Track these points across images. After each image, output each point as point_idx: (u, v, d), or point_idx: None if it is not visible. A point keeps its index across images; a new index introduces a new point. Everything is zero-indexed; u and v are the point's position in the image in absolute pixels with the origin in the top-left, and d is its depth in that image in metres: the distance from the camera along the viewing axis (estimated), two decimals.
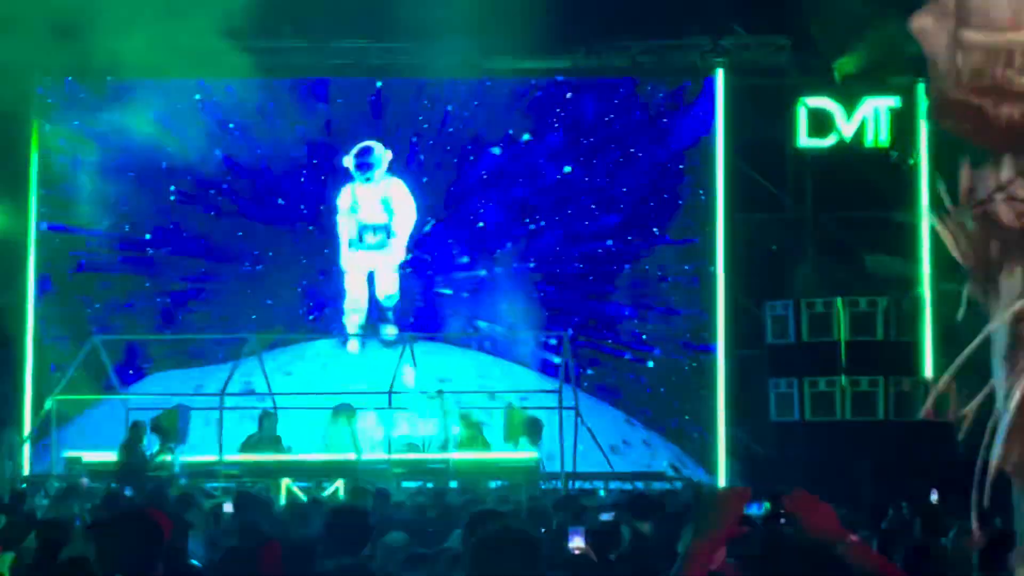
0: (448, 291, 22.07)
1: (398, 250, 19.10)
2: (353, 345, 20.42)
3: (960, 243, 2.08)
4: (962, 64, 2.01)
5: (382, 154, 18.24)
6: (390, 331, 20.00)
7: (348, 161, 18.88)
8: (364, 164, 18.36)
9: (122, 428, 18.32)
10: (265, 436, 18.32)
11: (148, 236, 22.21)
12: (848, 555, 3.83)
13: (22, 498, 14.47)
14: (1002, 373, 1.98)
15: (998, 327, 1.98)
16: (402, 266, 21.13)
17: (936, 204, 2.08)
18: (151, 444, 17.38)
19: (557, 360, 20.41)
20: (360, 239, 19.33)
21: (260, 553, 5.41)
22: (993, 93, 2.02)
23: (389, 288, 19.42)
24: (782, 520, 3.90)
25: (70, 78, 22.12)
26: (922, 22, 2.06)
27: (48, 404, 18.74)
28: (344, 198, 19.56)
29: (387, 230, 18.81)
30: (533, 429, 18.22)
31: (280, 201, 22.21)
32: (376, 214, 18.47)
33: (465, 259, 22.05)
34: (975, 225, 2.05)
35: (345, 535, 6.70)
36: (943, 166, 19.59)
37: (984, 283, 2.09)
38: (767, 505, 3.50)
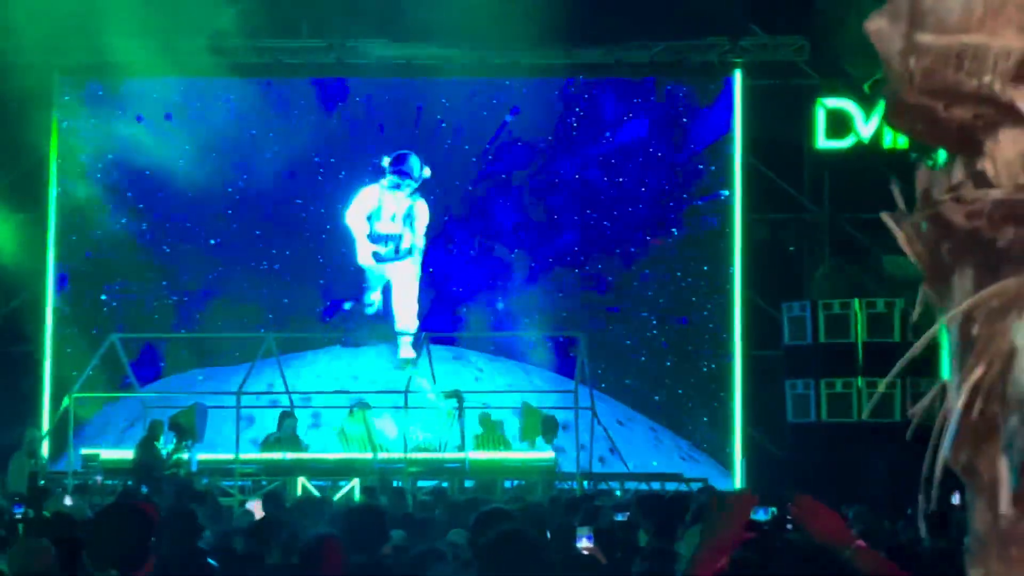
0: (463, 291, 22.14)
1: (413, 269, 18.62)
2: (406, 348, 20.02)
3: (914, 245, 2.10)
4: (915, 66, 2.03)
5: (421, 169, 17.56)
6: (406, 352, 19.57)
7: (386, 162, 18.19)
8: (401, 172, 17.67)
9: (140, 426, 18.45)
10: (284, 436, 18.40)
11: (165, 235, 22.29)
12: (854, 560, 3.84)
13: (45, 495, 14.55)
14: (952, 372, 2.00)
15: (950, 327, 1.99)
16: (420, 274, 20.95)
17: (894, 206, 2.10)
18: (167, 442, 17.46)
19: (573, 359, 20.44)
20: (380, 247, 18.88)
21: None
22: (945, 95, 2.03)
23: (406, 312, 18.79)
24: (788, 526, 3.90)
25: (88, 76, 22.21)
26: (877, 24, 2.08)
27: (66, 402, 18.84)
28: (367, 199, 19.04)
29: (398, 243, 18.19)
30: (548, 427, 18.26)
31: (297, 200, 22.28)
32: (393, 225, 17.88)
33: (479, 257, 22.12)
34: (928, 227, 2.06)
35: (362, 534, 6.73)
36: None
37: (938, 285, 2.10)
38: (772, 511, 3.50)
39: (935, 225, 2.05)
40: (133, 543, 4.65)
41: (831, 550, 3.83)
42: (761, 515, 3.91)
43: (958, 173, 2.08)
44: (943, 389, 2.10)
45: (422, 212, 18.06)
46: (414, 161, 17.94)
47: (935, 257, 2.06)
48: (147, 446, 17.25)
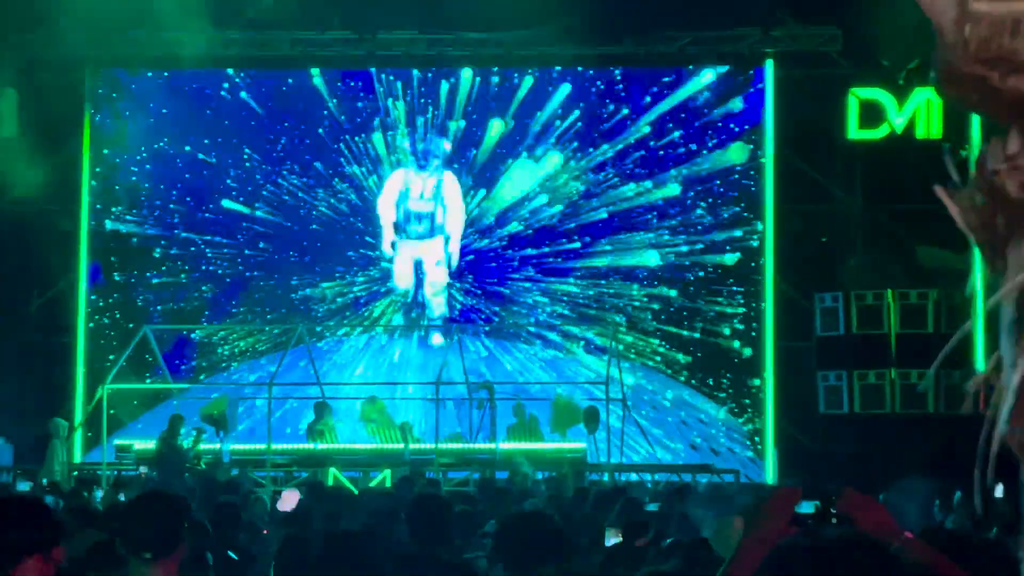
0: (495, 279, 22.16)
1: (450, 246, 18.88)
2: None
3: (968, 218, 2.06)
4: (969, 35, 1.99)
5: (441, 144, 17.87)
6: (436, 339, 20.02)
7: (406, 145, 18.59)
8: (424, 152, 18.07)
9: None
10: (324, 426, 18.49)
11: (198, 226, 22.35)
12: (904, 552, 3.80)
13: (85, 487, 14.61)
14: (1008, 346, 1.96)
15: (1006, 301, 1.96)
16: (451, 269, 21.12)
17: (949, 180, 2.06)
18: (188, 435, 17.53)
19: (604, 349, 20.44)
20: (405, 226, 19.01)
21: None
22: (1000, 64, 1.99)
23: (436, 284, 19.29)
24: (832, 520, 3.86)
25: (121, 69, 22.29)
26: None
27: (99, 392, 18.93)
28: (394, 183, 19.24)
29: (432, 220, 18.47)
30: (591, 417, 18.24)
31: (324, 192, 22.30)
32: (424, 203, 18.06)
33: (509, 245, 22.14)
34: (983, 198, 2.03)
35: (428, 523, 6.72)
36: None
37: (993, 257, 2.06)
38: (816, 504, 3.49)
39: (990, 196, 2.01)
40: (166, 529, 4.67)
41: (879, 543, 3.80)
42: (805, 508, 3.86)
43: (1014, 143, 2.04)
44: (999, 363, 2.07)
45: (451, 185, 18.28)
46: (437, 140, 18.19)
47: (990, 230, 2.03)
48: (168, 439, 17.31)
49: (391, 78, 22.26)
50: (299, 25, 21.29)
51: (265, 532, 9.33)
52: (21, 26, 21.06)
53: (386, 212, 18.66)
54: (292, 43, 21.78)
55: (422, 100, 22.06)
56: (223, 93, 22.34)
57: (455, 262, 20.47)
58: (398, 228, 19.64)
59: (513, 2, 18.84)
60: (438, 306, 20.05)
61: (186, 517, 4.82)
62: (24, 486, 8.68)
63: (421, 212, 17.78)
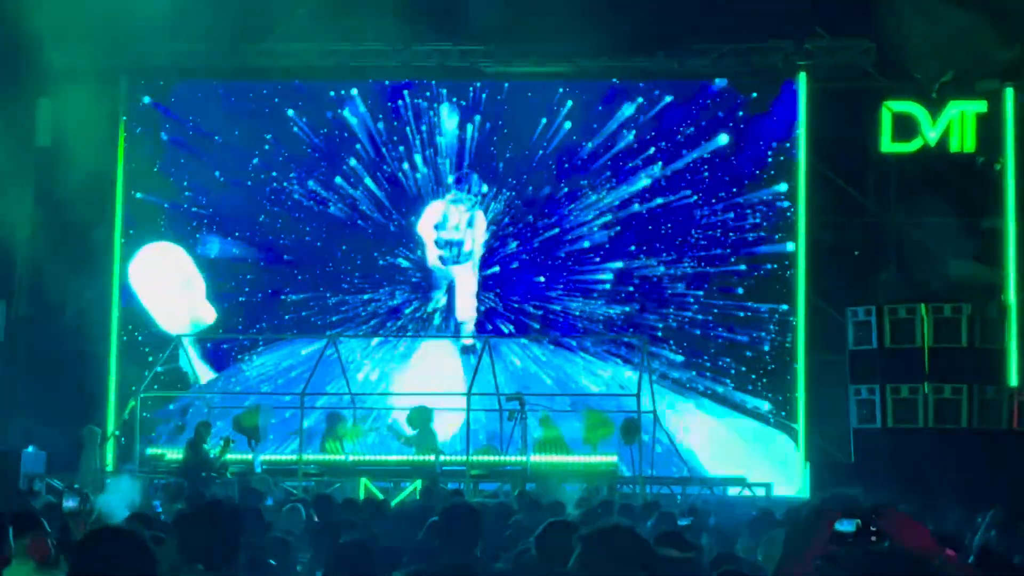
0: (529, 291, 22.21)
1: (472, 271, 20.48)
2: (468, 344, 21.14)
3: None
4: None
5: (479, 185, 20.01)
6: (467, 342, 20.89)
7: (450, 180, 20.48)
8: (462, 188, 20.06)
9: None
10: (338, 435, 18.53)
11: (233, 236, 22.43)
12: (945, 570, 3.81)
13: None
14: None
15: None
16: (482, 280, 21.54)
17: None
18: (215, 444, 17.59)
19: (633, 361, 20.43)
20: (447, 253, 20.53)
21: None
22: None
23: (466, 310, 20.64)
24: (872, 538, 3.88)
25: (156, 80, 22.41)
26: None
27: (132, 402, 19.02)
28: (433, 212, 20.61)
29: (460, 248, 20.21)
30: (629, 429, 18.21)
31: (362, 206, 22.39)
32: (457, 233, 20.09)
33: (543, 257, 22.18)
34: None
35: (458, 534, 6.73)
36: None
37: None
38: (857, 522, 3.50)
39: None
40: (224, 543, 4.69)
41: (921, 560, 3.80)
42: (846, 526, 3.88)
43: None
44: None
45: (480, 222, 20.22)
46: (474, 179, 20.16)
47: None
48: (195, 447, 17.37)
49: (428, 94, 22.36)
50: (333, 37, 21.37)
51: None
52: (56, 36, 21.21)
53: (427, 233, 20.50)
54: (325, 54, 21.86)
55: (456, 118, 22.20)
56: (263, 105, 22.41)
57: (476, 282, 21.38)
58: (440, 249, 20.96)
59: (547, 16, 18.89)
60: (468, 319, 20.96)
61: (241, 532, 4.83)
62: (73, 501, 8.69)
63: (453, 240, 19.88)
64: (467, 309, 20.33)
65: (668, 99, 22.21)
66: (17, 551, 6.82)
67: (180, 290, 20.84)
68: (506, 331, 21.76)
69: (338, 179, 22.39)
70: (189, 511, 5.38)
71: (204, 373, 21.49)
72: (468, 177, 20.94)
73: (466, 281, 20.59)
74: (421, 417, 18.39)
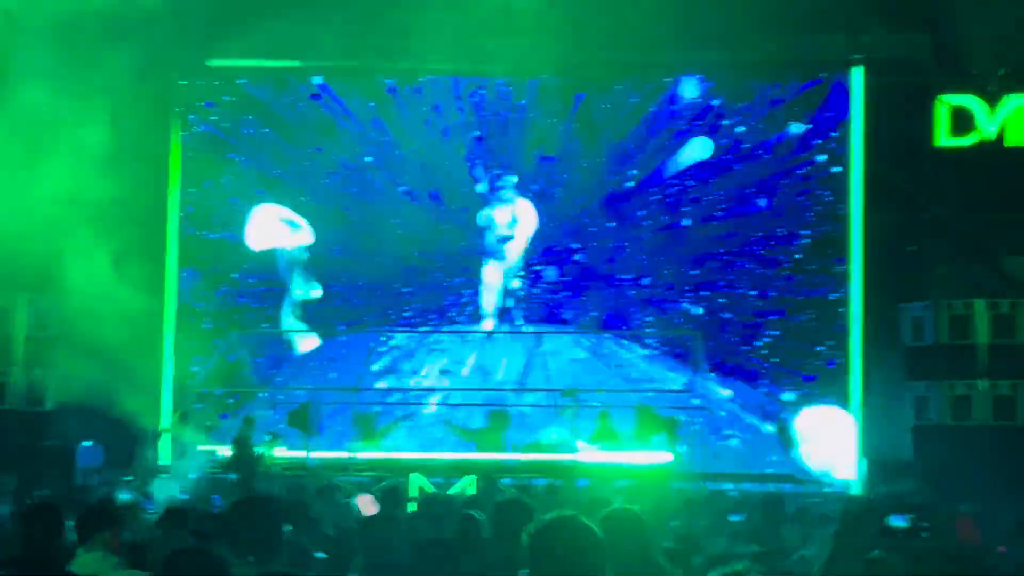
0: (585, 284, 22.26)
1: (517, 255, 21.63)
2: (488, 323, 21.88)
3: None
4: None
5: (510, 179, 21.19)
6: (488, 323, 21.84)
7: (483, 188, 21.59)
8: (497, 188, 21.30)
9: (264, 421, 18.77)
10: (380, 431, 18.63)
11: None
12: (999, 567, 3.78)
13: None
14: None
15: None
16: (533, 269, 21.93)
17: None
18: (260, 439, 17.69)
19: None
20: (498, 250, 21.69)
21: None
22: None
23: (517, 286, 21.83)
24: (923, 534, 3.85)
25: (210, 78, 22.53)
26: None
27: (189, 397, 19.16)
28: (484, 216, 21.79)
29: (511, 241, 21.38)
30: (672, 428, 18.18)
31: (411, 199, 22.49)
32: (506, 230, 21.39)
33: (599, 251, 22.24)
34: None
35: (512, 528, 6.73)
36: None
37: None
38: (910, 517, 3.46)
39: None
40: (268, 535, 4.70)
41: (974, 553, 3.77)
42: (899, 522, 3.85)
43: None
44: None
45: (525, 213, 21.19)
46: (505, 178, 21.37)
47: None
48: (240, 443, 17.43)
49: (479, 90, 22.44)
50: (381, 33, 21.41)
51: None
52: (112, 35, 21.36)
53: (485, 233, 21.70)
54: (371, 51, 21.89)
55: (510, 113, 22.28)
56: (316, 101, 22.55)
57: (514, 268, 22.01)
58: (489, 250, 21.92)
59: (594, 11, 18.86)
60: (518, 305, 21.84)
61: (282, 525, 4.85)
62: (127, 495, 8.73)
63: (506, 236, 21.31)
64: (493, 291, 21.67)
65: (721, 92, 22.13)
66: (96, 544, 6.83)
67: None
68: (557, 322, 21.86)
69: (392, 172, 22.53)
70: (234, 505, 5.40)
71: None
72: (499, 178, 21.60)
73: (512, 269, 21.66)
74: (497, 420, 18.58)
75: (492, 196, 21.64)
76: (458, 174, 22.24)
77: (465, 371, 21.68)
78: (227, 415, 20.62)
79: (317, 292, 22.09)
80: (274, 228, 21.96)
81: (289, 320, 21.93)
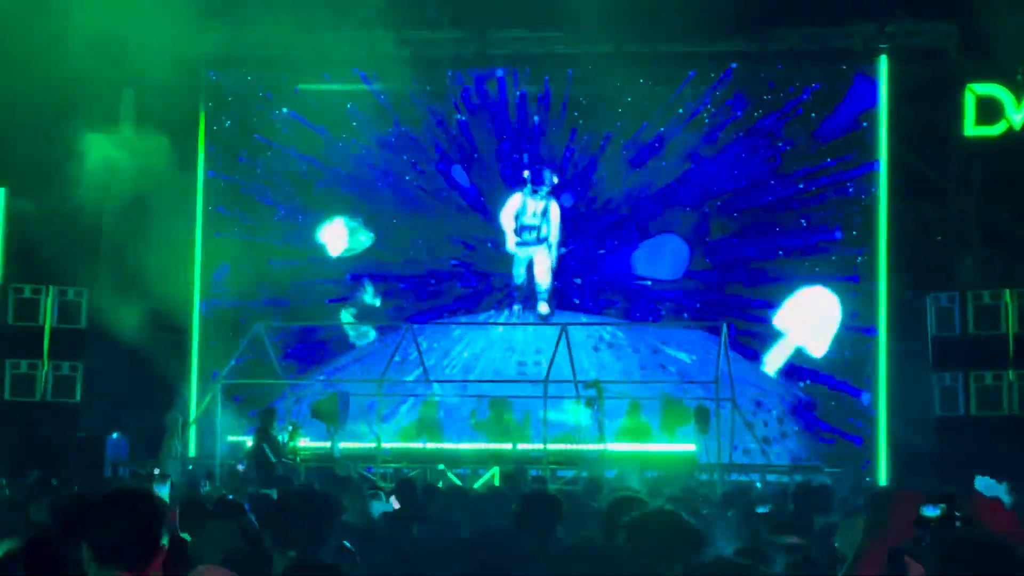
0: (606, 275, 22.31)
1: (550, 253, 22.21)
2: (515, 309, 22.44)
3: None
4: None
5: (550, 177, 22.06)
6: (543, 308, 22.09)
7: (526, 175, 22.26)
8: (537, 180, 21.98)
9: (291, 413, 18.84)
10: (423, 421, 18.63)
11: (315, 225, 22.66)
12: None
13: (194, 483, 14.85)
14: None
15: None
16: (558, 262, 22.26)
17: None
18: (281, 431, 17.73)
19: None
20: (520, 235, 22.13)
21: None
22: None
23: (544, 279, 22.14)
24: (957, 523, 3.83)
25: (235, 71, 22.57)
26: None
27: (213, 388, 19.22)
28: (514, 202, 22.23)
29: (538, 231, 22.02)
30: (701, 417, 18.15)
31: (442, 192, 22.59)
32: (534, 220, 22.02)
33: (619, 245, 22.32)
34: None
35: (537, 519, 6.76)
36: None
37: None
38: (942, 507, 3.45)
39: None
40: (315, 527, 4.73)
41: (1008, 546, 3.74)
42: (930, 511, 3.82)
43: None
44: None
45: (554, 210, 22.08)
46: (547, 174, 22.01)
47: None
48: (261, 435, 17.47)
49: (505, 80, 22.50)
50: (408, 24, 21.43)
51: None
52: (138, 26, 21.42)
53: (507, 222, 22.27)
54: (400, 42, 21.91)
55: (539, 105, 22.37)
56: (342, 96, 22.60)
57: (554, 263, 22.36)
58: (517, 234, 22.33)
59: (620, 1, 18.84)
60: (546, 286, 22.23)
61: (333, 516, 4.87)
62: (163, 490, 8.71)
63: (531, 225, 21.93)
64: (544, 280, 22.11)
65: (747, 80, 22.09)
66: None
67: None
68: (584, 316, 21.92)
69: (419, 166, 22.61)
70: (280, 497, 5.43)
71: None
72: (541, 172, 22.14)
73: (543, 260, 22.13)
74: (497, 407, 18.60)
75: (530, 188, 22.12)
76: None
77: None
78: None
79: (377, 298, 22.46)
80: (345, 234, 22.60)
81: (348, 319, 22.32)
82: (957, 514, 3.78)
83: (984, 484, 15.41)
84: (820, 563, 6.79)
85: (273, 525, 4.86)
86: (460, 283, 22.68)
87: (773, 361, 21.31)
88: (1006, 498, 14.35)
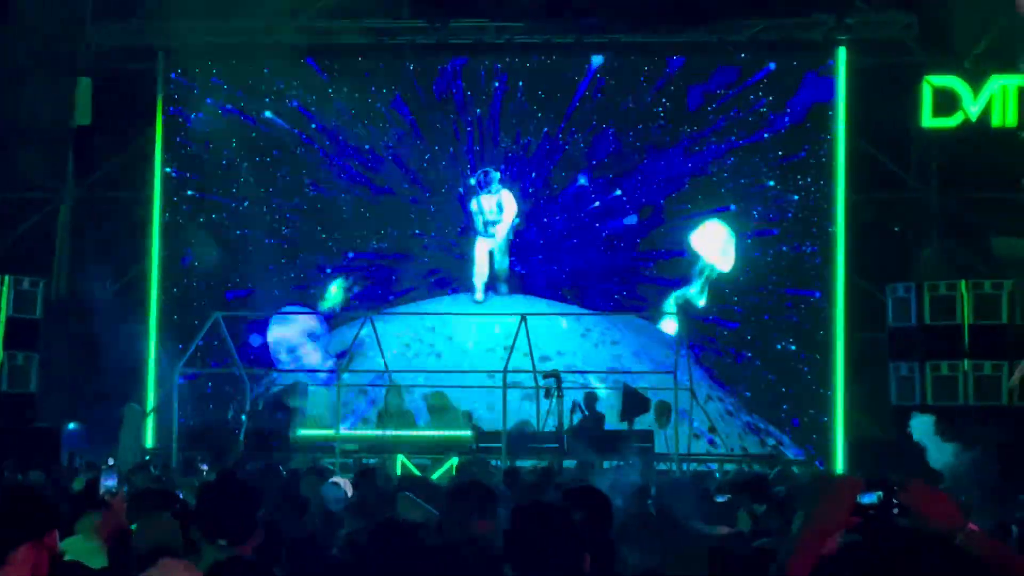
0: (560, 263, 22.36)
1: (503, 234, 22.74)
2: (479, 295, 22.76)
3: None
4: None
5: (494, 174, 22.60)
6: (502, 289, 22.69)
7: (472, 181, 22.76)
8: (484, 183, 22.52)
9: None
10: (391, 410, 18.57)
11: (274, 215, 22.58)
12: (967, 544, 3.76)
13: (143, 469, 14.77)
14: None
15: None
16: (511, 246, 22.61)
17: None
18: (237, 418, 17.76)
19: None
20: (484, 230, 22.62)
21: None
22: None
23: (503, 262, 22.78)
24: (895, 511, 3.83)
25: (192, 59, 22.42)
26: None
27: (172, 378, 19.12)
28: (475, 203, 22.65)
29: (496, 224, 22.60)
30: (661, 411, 18.20)
31: (404, 184, 22.57)
32: (492, 215, 22.65)
33: (572, 232, 22.42)
34: None
35: (467, 509, 6.69)
36: None
37: None
38: (879, 495, 3.44)
39: None
40: (242, 516, 4.68)
41: (943, 534, 3.76)
42: (868, 499, 3.83)
43: None
44: None
45: (507, 199, 22.60)
46: (491, 172, 22.61)
47: None
48: (220, 423, 17.46)
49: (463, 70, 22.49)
50: (370, 13, 21.38)
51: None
52: (96, 13, 21.30)
53: (474, 215, 22.77)
54: (362, 31, 21.85)
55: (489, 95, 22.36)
56: (300, 84, 22.52)
57: (506, 241, 22.74)
58: (478, 231, 22.81)
59: None
60: (504, 276, 22.76)
61: (259, 507, 4.82)
62: (112, 480, 8.60)
63: (492, 220, 22.61)
64: (503, 269, 22.73)
65: (704, 72, 22.14)
66: (82, 527, 6.77)
67: None
68: (544, 304, 22.03)
69: (374, 156, 22.57)
70: (207, 484, 5.39)
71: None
72: (487, 174, 22.57)
73: (502, 249, 22.64)
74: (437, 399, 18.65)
75: (480, 189, 22.48)
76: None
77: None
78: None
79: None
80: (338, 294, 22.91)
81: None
82: (895, 502, 3.79)
83: (920, 422, 15.64)
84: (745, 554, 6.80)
85: (199, 515, 4.82)
86: (422, 270, 22.75)
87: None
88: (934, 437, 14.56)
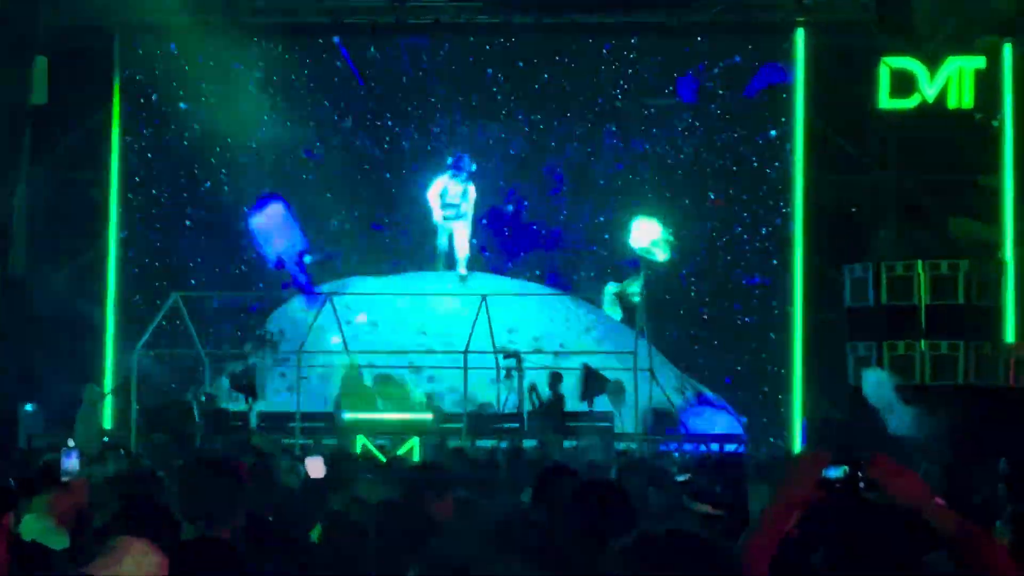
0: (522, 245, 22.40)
1: (467, 226, 23.14)
2: (462, 269, 22.98)
3: None
4: None
5: (469, 164, 23.00)
6: (462, 271, 22.83)
7: (449, 161, 23.16)
8: (458, 167, 22.81)
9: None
10: (350, 391, 18.58)
11: (232, 195, 22.53)
12: (933, 519, 3.79)
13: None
14: None
15: None
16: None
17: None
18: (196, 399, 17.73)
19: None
20: (443, 211, 22.98)
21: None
22: None
23: (462, 250, 22.95)
24: (861, 485, 3.84)
25: (150, 37, 22.27)
26: None
27: (131, 359, 19.05)
28: (437, 184, 22.96)
29: (458, 209, 22.93)
30: (616, 390, 18.28)
31: (365, 165, 22.58)
32: (454, 200, 22.95)
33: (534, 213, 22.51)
34: None
35: (421, 493, 6.68)
36: None
37: None
38: (845, 469, 3.46)
39: None
40: (225, 498, 4.66)
41: (909, 509, 3.78)
42: (833, 473, 3.85)
43: None
44: None
45: (472, 192, 22.99)
46: (466, 160, 22.91)
47: None
48: (178, 404, 17.42)
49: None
50: None
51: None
52: None
53: (433, 200, 23.09)
54: (319, 11, 21.76)
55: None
56: (259, 61, 22.44)
57: (471, 235, 23.02)
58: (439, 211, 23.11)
59: None
60: (464, 255, 22.99)
61: (244, 488, 4.79)
62: (73, 461, 8.52)
63: (453, 204, 22.94)
64: (463, 249, 23.02)
65: (661, 55, 22.21)
66: (37, 507, 6.72)
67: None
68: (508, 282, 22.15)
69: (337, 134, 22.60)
70: (191, 464, 5.36)
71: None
72: (462, 158, 22.88)
73: (462, 233, 22.93)
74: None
75: (452, 171, 22.70)
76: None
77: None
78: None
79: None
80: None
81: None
82: (860, 475, 3.81)
83: (876, 376, 15.78)
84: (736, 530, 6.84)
85: (180, 496, 4.79)
86: (383, 246, 22.85)
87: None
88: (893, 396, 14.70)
